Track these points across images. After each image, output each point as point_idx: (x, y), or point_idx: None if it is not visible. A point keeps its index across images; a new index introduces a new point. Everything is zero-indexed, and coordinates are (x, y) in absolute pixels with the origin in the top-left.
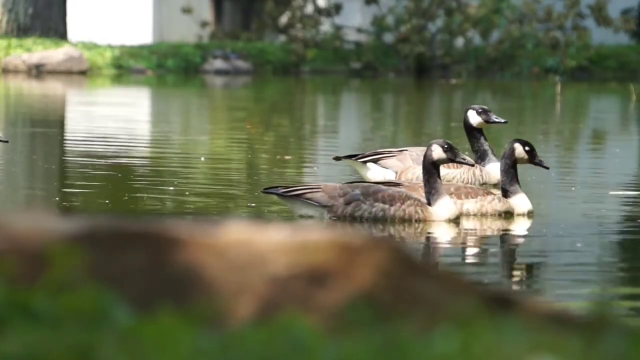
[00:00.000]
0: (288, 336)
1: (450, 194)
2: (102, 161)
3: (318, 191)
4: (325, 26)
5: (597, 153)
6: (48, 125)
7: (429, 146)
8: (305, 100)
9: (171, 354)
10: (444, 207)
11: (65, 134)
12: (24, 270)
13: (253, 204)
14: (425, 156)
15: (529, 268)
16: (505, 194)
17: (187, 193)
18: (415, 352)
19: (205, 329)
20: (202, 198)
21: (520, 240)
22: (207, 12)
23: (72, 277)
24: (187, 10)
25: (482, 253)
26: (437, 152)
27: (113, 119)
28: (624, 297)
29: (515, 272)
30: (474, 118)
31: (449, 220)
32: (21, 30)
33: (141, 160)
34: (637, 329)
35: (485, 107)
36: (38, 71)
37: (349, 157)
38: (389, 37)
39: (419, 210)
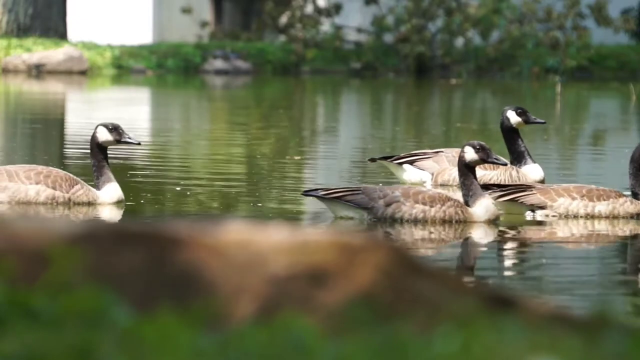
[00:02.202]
0: (288, 336)
1: (582, 196)
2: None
3: (358, 193)
4: (325, 26)
5: (604, 153)
6: (48, 125)
7: (462, 148)
8: (307, 100)
9: (171, 354)
10: (483, 207)
11: (65, 134)
12: (24, 270)
13: (260, 204)
14: (459, 158)
15: None
16: (636, 196)
17: (188, 193)
18: (415, 352)
19: (205, 329)
20: (210, 199)
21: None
22: (207, 12)
23: (72, 277)
24: (187, 10)
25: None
26: (470, 154)
27: (113, 118)
28: None
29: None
30: (514, 118)
31: (489, 221)
32: (21, 30)
33: (143, 160)
34: (637, 329)
35: (523, 107)
36: (38, 71)
37: (384, 158)
38: (389, 37)
39: (459, 212)
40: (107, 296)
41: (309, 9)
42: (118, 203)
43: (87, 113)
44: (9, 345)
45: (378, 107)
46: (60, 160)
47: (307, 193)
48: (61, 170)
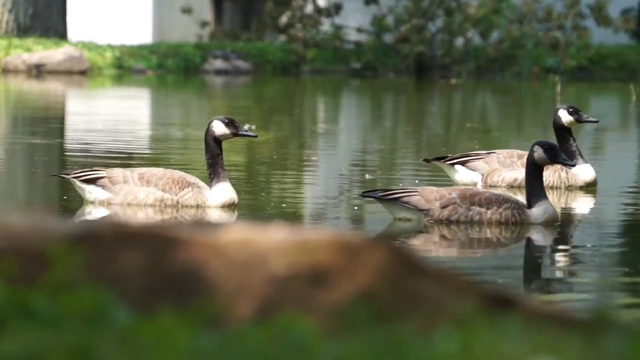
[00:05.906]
0: (288, 336)
1: None
2: (104, 162)
3: (415, 195)
4: (325, 26)
5: (604, 152)
6: (48, 125)
7: (532, 146)
8: (308, 100)
9: (170, 353)
10: (541, 210)
11: (65, 134)
12: (24, 270)
13: (284, 205)
14: (528, 157)
15: None
16: None
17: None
18: (415, 352)
19: (205, 329)
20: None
21: None
22: (207, 12)
23: (72, 277)
24: (187, 10)
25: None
26: (538, 153)
27: (114, 119)
28: None
29: None
30: (566, 117)
31: (546, 224)
32: (21, 30)
33: (143, 160)
34: (637, 329)
35: (575, 106)
36: (38, 71)
37: (438, 159)
38: (389, 37)
39: (516, 214)
40: (107, 296)
41: (309, 9)
42: (229, 206)
43: (87, 112)
44: (9, 345)
45: (382, 107)
46: (59, 161)
47: (365, 194)
48: (177, 172)
